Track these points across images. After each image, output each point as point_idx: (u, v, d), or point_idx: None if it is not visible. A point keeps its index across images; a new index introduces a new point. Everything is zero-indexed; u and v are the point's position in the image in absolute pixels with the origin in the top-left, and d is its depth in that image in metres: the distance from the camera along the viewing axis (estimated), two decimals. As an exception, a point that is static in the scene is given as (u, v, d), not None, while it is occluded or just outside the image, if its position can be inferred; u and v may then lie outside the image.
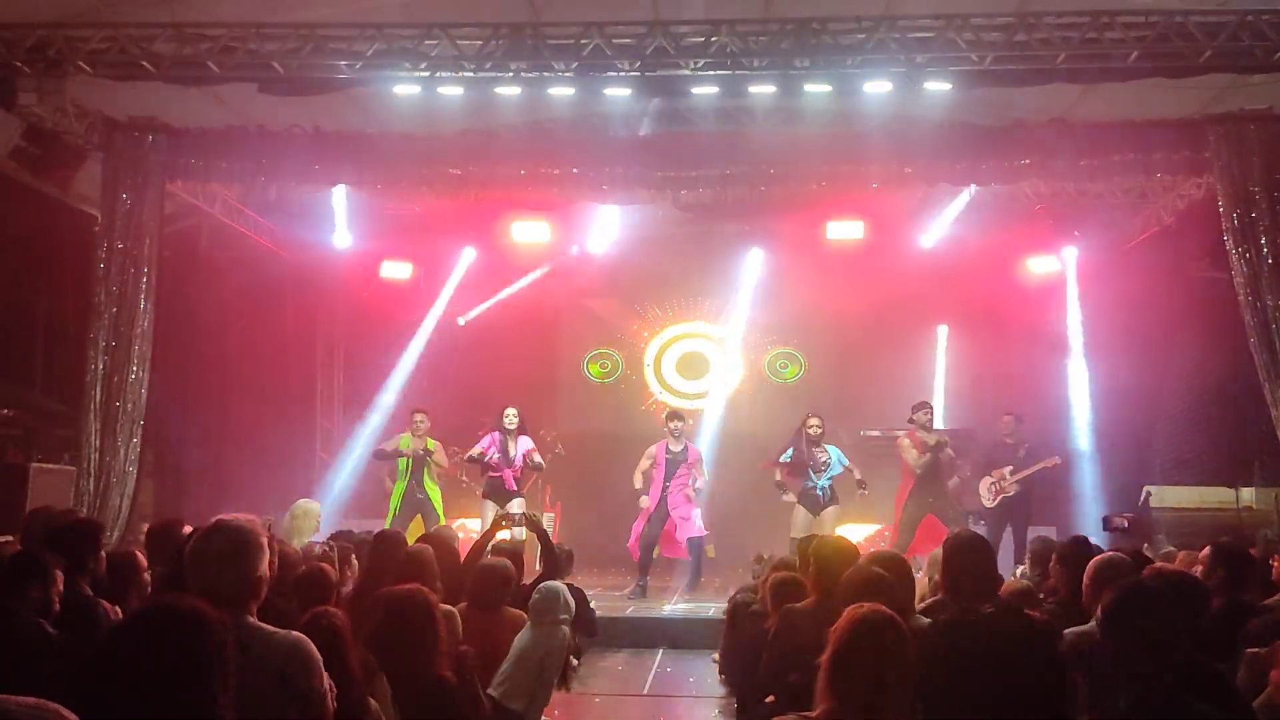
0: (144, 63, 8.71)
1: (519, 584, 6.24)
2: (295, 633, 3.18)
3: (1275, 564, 4.96)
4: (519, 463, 10.60)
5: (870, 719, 3.00)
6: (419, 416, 11.34)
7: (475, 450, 10.80)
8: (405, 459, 11.08)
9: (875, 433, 12.35)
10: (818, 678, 3.15)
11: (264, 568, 3.19)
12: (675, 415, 11.23)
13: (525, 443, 10.79)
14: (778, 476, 10.61)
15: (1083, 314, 12.63)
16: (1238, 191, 9.23)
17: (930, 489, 10.61)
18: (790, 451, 10.53)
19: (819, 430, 10.49)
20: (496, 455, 10.61)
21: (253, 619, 3.12)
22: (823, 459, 10.41)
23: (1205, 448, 11.48)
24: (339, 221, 12.30)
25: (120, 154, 9.81)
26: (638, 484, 10.95)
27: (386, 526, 9.49)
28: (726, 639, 6.99)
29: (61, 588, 4.08)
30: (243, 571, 3.12)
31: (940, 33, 8.51)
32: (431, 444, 11.14)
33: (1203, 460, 11.38)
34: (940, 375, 13.56)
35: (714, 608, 9.13)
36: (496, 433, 10.79)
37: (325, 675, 3.16)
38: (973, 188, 11.00)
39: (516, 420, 10.74)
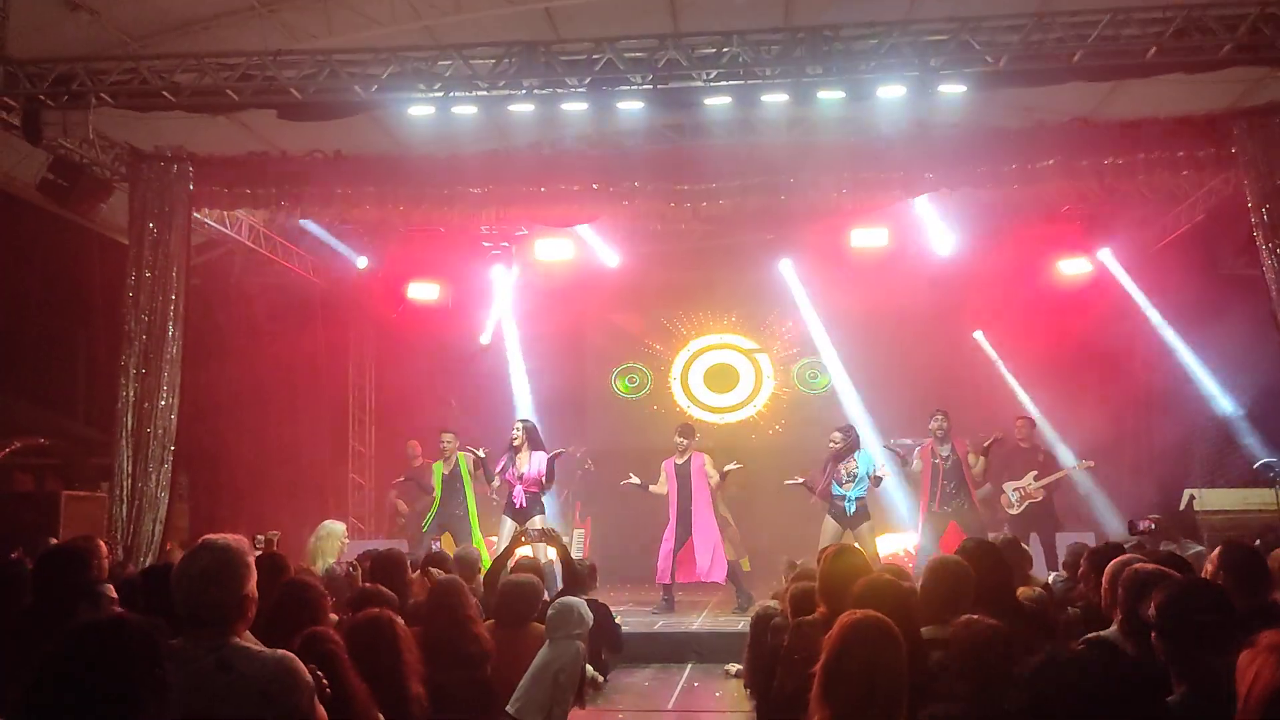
0: (165, 93, 8.84)
1: (540, 600, 6.24)
2: (282, 651, 3.17)
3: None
4: (529, 475, 10.52)
5: (863, 727, 2.96)
6: (447, 438, 11.41)
7: (495, 480, 10.81)
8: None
9: (906, 441, 12.20)
10: (812, 686, 3.12)
11: (250, 587, 3.17)
12: (679, 430, 11.14)
13: (538, 458, 10.63)
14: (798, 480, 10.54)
15: (1115, 315, 12.43)
16: (1266, 186, 9.02)
17: (953, 498, 10.51)
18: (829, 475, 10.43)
19: (838, 444, 10.36)
20: (508, 472, 10.61)
21: (238, 639, 3.11)
22: (850, 468, 10.27)
23: (1245, 448, 11.24)
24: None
25: (146, 183, 9.94)
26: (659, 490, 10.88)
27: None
28: (750, 651, 6.92)
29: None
30: (227, 591, 3.10)
31: (954, 35, 8.42)
32: (463, 460, 11.22)
33: (1244, 461, 11.15)
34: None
35: (743, 622, 9.04)
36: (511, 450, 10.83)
37: (314, 695, 3.15)
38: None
39: (520, 435, 10.69)
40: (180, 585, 3.18)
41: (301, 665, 3.16)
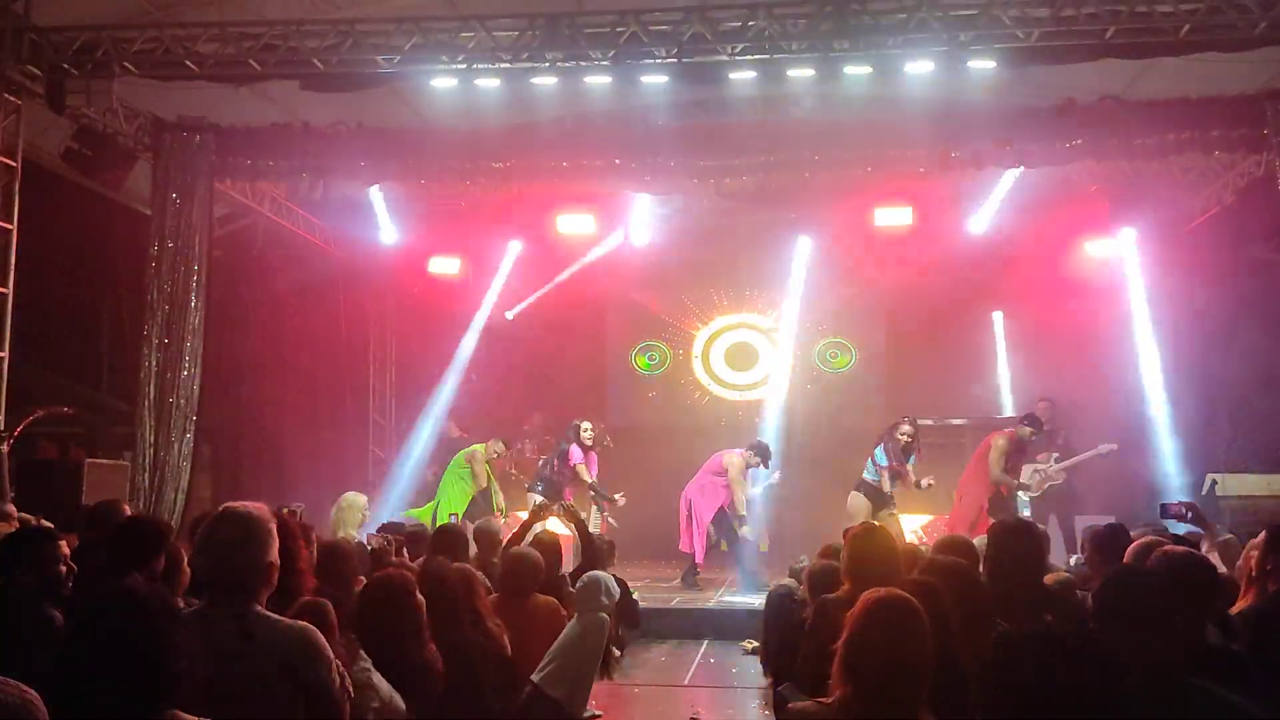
0: (188, 63, 8.84)
1: (555, 573, 6.27)
2: (302, 622, 3.17)
3: None
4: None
5: (886, 705, 2.94)
6: (499, 448, 11.55)
7: (591, 478, 11.07)
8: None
9: (928, 421, 12.14)
10: (834, 662, 3.10)
11: (273, 554, 3.18)
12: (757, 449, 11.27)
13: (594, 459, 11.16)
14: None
15: (1142, 297, 12.30)
16: (1298, 168, 8.91)
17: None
18: (882, 457, 10.37)
19: (910, 437, 10.34)
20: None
21: (260, 607, 3.11)
22: (903, 468, 10.30)
23: (1272, 433, 11.12)
24: (382, 219, 12.45)
25: (169, 154, 9.97)
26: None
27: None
28: (766, 628, 6.92)
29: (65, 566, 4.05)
30: (250, 559, 3.11)
31: (984, 10, 8.31)
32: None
33: (1269, 446, 11.03)
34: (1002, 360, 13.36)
35: (760, 599, 9.05)
36: (576, 446, 10.98)
37: (335, 664, 3.15)
38: (1019, 170, 10.71)
39: (593, 434, 10.99)
40: (205, 552, 3.20)
41: (322, 636, 3.16)
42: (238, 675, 2.98)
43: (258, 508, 3.29)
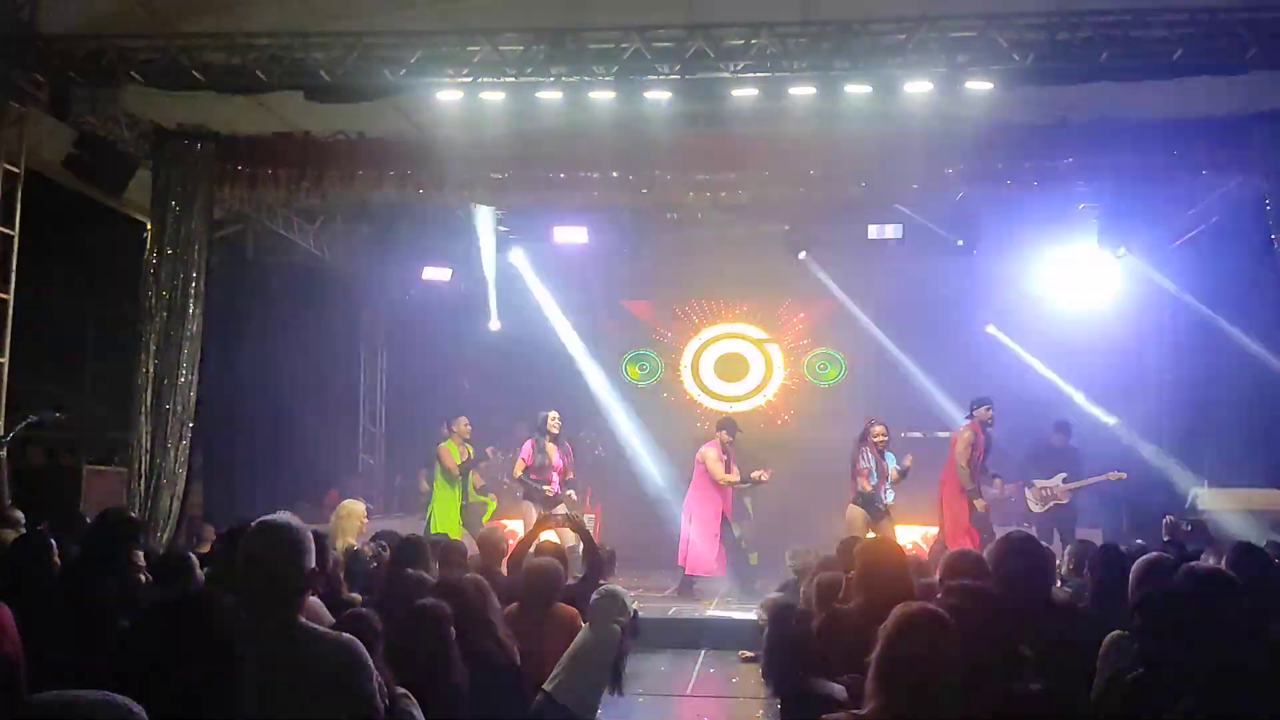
0: (194, 72, 8.85)
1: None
2: (345, 634, 3.23)
3: None
4: (561, 464, 10.71)
5: (919, 716, 3.03)
6: (464, 421, 11.48)
7: (518, 470, 10.87)
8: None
9: (917, 434, 12.29)
10: (867, 676, 3.19)
11: (312, 563, 3.24)
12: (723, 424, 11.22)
13: (565, 447, 10.98)
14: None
15: (1128, 314, 12.50)
16: (1285, 189, 9.09)
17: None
18: (872, 467, 10.42)
19: (884, 439, 10.43)
20: (542, 461, 10.73)
21: (303, 618, 3.17)
22: (883, 467, 10.39)
23: (1254, 449, 11.31)
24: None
25: (170, 162, 9.96)
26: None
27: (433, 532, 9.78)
28: (769, 642, 6.99)
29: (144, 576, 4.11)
30: (293, 569, 3.16)
31: (981, 32, 8.46)
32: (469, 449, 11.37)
33: (1251, 461, 11.21)
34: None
35: (754, 609, 9.13)
36: (530, 440, 10.89)
37: (376, 676, 3.22)
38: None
39: (560, 424, 10.86)
40: (249, 565, 3.24)
41: (364, 648, 3.22)
42: (285, 687, 3.04)
43: (291, 517, 3.35)
